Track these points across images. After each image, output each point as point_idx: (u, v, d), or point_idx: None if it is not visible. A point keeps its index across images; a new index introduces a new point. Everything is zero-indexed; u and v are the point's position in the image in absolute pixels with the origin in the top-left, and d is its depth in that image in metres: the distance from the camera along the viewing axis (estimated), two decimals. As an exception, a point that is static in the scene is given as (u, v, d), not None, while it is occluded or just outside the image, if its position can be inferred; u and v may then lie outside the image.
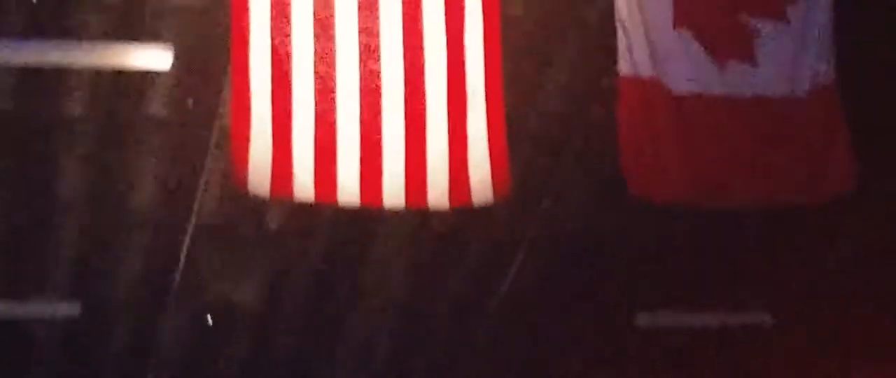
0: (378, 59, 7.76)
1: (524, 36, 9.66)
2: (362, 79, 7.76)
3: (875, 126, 9.42)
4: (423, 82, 7.77)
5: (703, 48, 7.93)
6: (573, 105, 10.29)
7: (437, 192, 7.76)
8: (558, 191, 10.91)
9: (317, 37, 7.75)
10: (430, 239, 11.34)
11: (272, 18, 7.73)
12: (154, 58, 9.47)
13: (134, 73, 9.75)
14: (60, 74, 9.80)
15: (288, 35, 7.74)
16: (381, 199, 7.75)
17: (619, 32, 7.96)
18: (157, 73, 9.77)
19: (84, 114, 10.08)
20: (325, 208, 9.77)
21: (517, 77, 8.93)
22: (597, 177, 10.52)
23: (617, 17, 7.93)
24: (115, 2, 9.48)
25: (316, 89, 7.75)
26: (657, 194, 8.02)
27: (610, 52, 8.14)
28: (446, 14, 7.83)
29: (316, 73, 7.76)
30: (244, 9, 7.71)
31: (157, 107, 10.12)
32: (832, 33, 8.22)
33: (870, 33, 9.58)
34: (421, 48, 7.77)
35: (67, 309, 11.42)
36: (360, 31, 7.77)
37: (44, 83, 9.85)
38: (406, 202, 7.76)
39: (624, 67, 7.96)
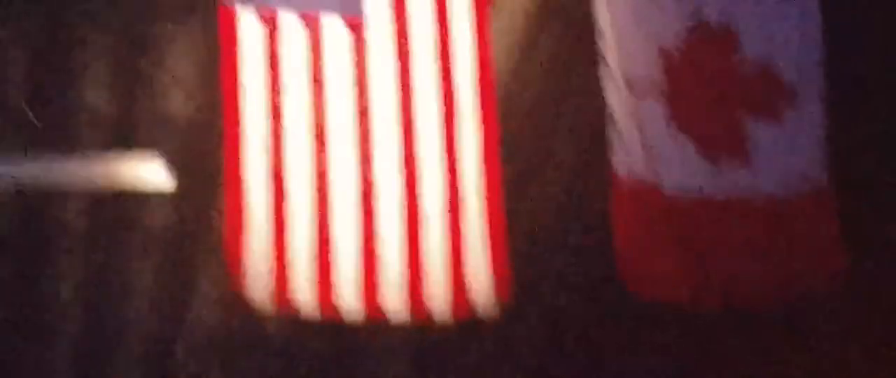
0: (373, 167, 7.78)
1: (521, 139, 9.67)
2: (359, 188, 7.78)
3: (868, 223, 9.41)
4: (418, 189, 7.79)
5: (697, 148, 7.94)
6: (570, 204, 10.28)
7: (438, 302, 7.74)
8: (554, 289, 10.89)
9: (313, 146, 7.78)
10: (430, 344, 11.27)
11: (267, 129, 7.77)
12: (150, 169, 9.50)
13: (130, 186, 9.77)
14: (57, 189, 9.81)
15: (282, 146, 7.77)
16: (383, 311, 7.73)
17: (613, 134, 7.98)
18: (153, 186, 9.78)
19: (81, 227, 10.08)
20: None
21: (514, 180, 8.94)
22: (596, 275, 10.48)
23: (610, 118, 7.97)
24: (110, 113, 9.52)
25: (312, 198, 7.79)
26: (653, 293, 8.00)
27: (606, 151, 8.15)
28: (442, 121, 7.88)
29: (312, 182, 7.79)
30: (237, 120, 7.76)
31: (153, 217, 10.11)
32: (826, 135, 8.23)
33: (863, 134, 9.59)
34: (415, 155, 7.80)
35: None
36: (356, 139, 7.79)
37: (41, 198, 9.87)
38: (408, 313, 7.74)
39: (618, 167, 7.98)
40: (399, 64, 7.86)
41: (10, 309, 10.36)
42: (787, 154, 7.95)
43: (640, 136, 7.92)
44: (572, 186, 10.22)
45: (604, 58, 7.95)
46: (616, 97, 7.96)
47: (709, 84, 7.99)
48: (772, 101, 7.98)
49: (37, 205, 9.92)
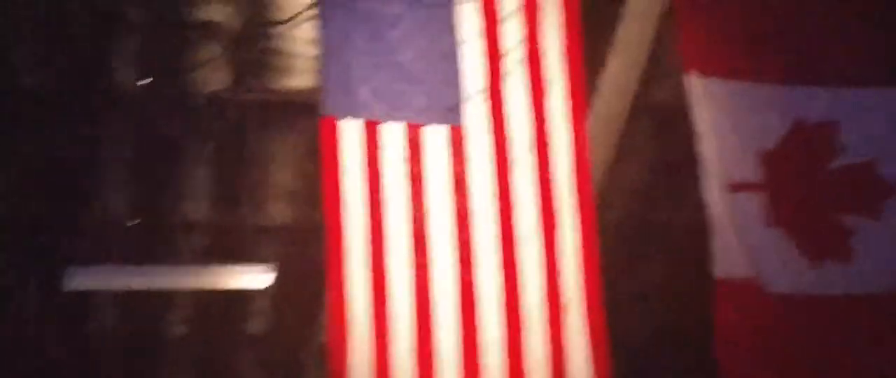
0: (473, 270, 7.80)
1: (621, 242, 9.68)
2: (459, 292, 7.79)
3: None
4: (518, 292, 7.79)
5: (797, 247, 7.87)
6: (669, 311, 10.24)
7: (540, 402, 7.72)
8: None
9: (412, 252, 7.81)
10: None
11: (367, 236, 7.82)
12: (254, 278, 9.61)
13: (234, 293, 9.89)
14: (162, 297, 9.96)
15: (383, 251, 7.81)
16: None
17: (713, 233, 7.94)
18: (257, 293, 9.90)
19: (186, 334, 10.20)
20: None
21: (615, 285, 8.93)
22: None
23: (710, 218, 7.93)
24: (211, 223, 9.67)
25: (413, 304, 7.79)
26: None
27: (703, 254, 8.12)
28: (541, 224, 7.88)
29: (413, 286, 7.81)
30: (339, 228, 7.82)
31: (256, 325, 10.22)
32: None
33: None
34: (515, 258, 7.81)
35: None
36: (455, 244, 7.82)
37: (147, 305, 10.01)
38: (507, 415, 7.72)
39: (719, 269, 7.93)
40: (498, 169, 7.91)
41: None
42: (888, 249, 7.86)
43: (739, 237, 7.87)
44: (672, 289, 10.21)
45: (702, 159, 7.94)
46: (715, 198, 7.92)
47: (808, 183, 7.94)
48: (872, 197, 7.91)
49: (142, 312, 10.08)
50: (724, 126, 7.94)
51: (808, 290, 7.86)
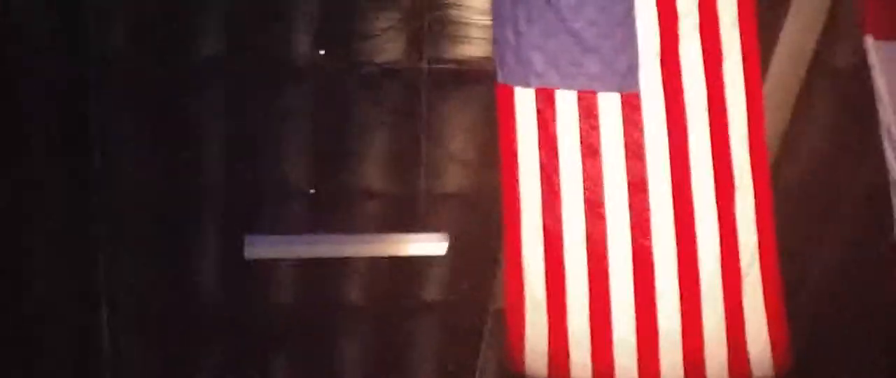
0: (649, 235, 7.79)
1: (798, 206, 9.57)
2: (635, 257, 7.79)
3: None
4: (695, 256, 7.77)
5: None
6: (848, 276, 10.11)
7: (716, 366, 7.69)
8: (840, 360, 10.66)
9: (587, 217, 7.83)
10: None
11: (543, 202, 7.86)
12: (430, 246, 9.71)
13: (410, 261, 10.01)
14: (340, 264, 10.12)
15: (559, 218, 7.84)
16: (660, 376, 7.72)
17: (894, 198, 7.82)
18: (433, 260, 10.00)
19: (363, 301, 10.36)
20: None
21: (793, 249, 8.85)
22: (877, 343, 10.27)
23: (891, 184, 7.81)
24: (391, 192, 9.79)
25: (589, 270, 7.82)
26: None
27: (884, 219, 8.00)
28: (716, 188, 7.84)
29: (588, 253, 7.83)
30: (515, 194, 7.86)
31: (433, 292, 10.34)
32: None
33: None
34: (692, 221, 7.79)
35: None
36: (630, 210, 7.82)
37: (324, 273, 10.18)
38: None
39: (899, 233, 7.82)
40: (673, 135, 7.88)
41: (299, 374, 10.70)
42: None
43: (921, 202, 7.76)
44: (851, 254, 10.07)
45: (883, 123, 7.81)
46: (894, 162, 7.80)
47: None
48: None
49: (320, 280, 10.25)
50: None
51: None
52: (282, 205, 9.88)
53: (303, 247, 9.72)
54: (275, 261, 10.06)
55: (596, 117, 7.87)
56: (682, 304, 7.74)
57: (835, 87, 9.53)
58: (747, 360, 7.74)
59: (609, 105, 7.89)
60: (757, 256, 7.82)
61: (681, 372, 7.70)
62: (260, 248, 9.58)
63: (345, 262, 10.14)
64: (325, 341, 10.67)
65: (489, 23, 8.48)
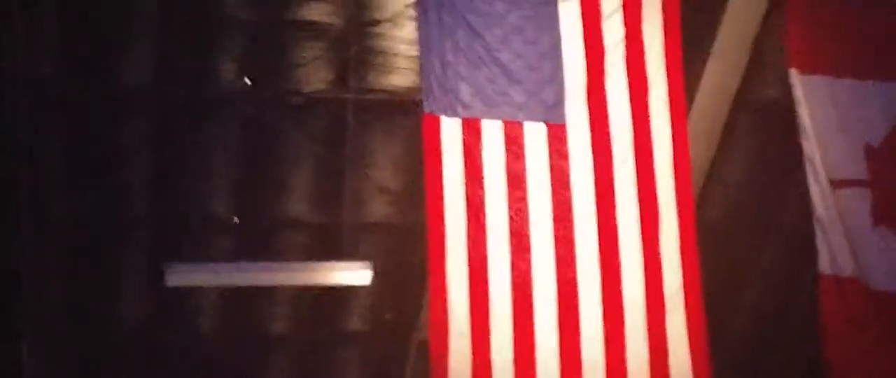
0: (574, 267, 7.79)
1: (722, 240, 9.63)
2: (559, 289, 7.78)
3: None
4: (620, 289, 7.77)
5: (904, 245, 7.82)
6: (774, 307, 10.18)
7: (639, 399, 7.70)
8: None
9: (512, 248, 7.81)
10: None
11: (468, 232, 7.82)
12: (354, 275, 9.67)
13: (334, 291, 9.96)
14: (264, 293, 10.05)
15: (484, 248, 7.82)
16: None
17: (818, 232, 7.88)
18: (357, 290, 9.96)
19: (287, 330, 10.29)
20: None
21: (716, 282, 8.91)
22: (801, 374, 10.32)
23: (815, 217, 7.88)
24: (315, 221, 9.74)
25: (513, 300, 7.79)
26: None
27: (808, 252, 8.07)
28: (641, 221, 7.86)
29: (512, 284, 7.80)
30: (440, 224, 7.83)
31: (357, 322, 10.29)
32: None
33: None
34: (617, 254, 7.79)
35: None
36: (555, 242, 7.82)
37: (248, 302, 10.11)
38: (611, 412, 7.70)
39: (824, 266, 7.86)
40: (599, 167, 7.90)
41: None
42: None
43: (844, 234, 7.81)
44: (777, 287, 10.15)
45: (807, 156, 7.89)
46: (820, 195, 7.87)
47: (914, 180, 7.89)
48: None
49: (244, 308, 10.18)
50: (829, 123, 7.89)
51: None
52: (206, 233, 9.81)
53: (226, 275, 9.65)
54: (198, 289, 9.97)
55: (521, 147, 7.87)
56: (605, 337, 7.72)
57: (759, 122, 9.61)
58: (670, 393, 7.75)
59: (535, 135, 7.89)
60: (681, 290, 7.83)
61: (605, 405, 7.70)
62: (182, 275, 9.50)
63: (268, 291, 10.08)
64: (248, 371, 10.58)
65: (416, 53, 8.47)
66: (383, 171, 9.69)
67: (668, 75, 7.99)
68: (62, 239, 9.74)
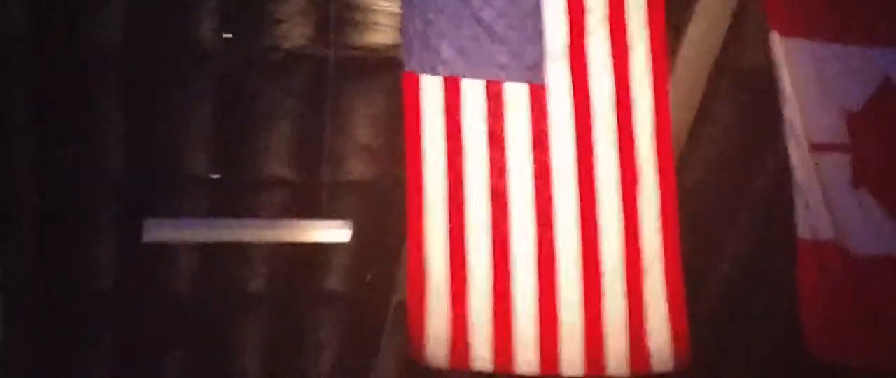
0: (553, 228, 7.78)
1: (701, 203, 9.64)
2: (538, 248, 7.77)
3: None
4: (598, 249, 7.76)
5: (883, 209, 7.80)
6: (752, 271, 10.20)
7: (616, 358, 7.70)
8: (740, 356, 10.76)
9: (491, 207, 7.80)
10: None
11: (447, 192, 7.81)
12: (332, 233, 9.64)
13: (313, 249, 9.94)
14: (241, 250, 10.03)
15: (463, 208, 7.80)
16: (559, 367, 7.71)
17: (797, 196, 7.88)
18: (335, 248, 9.94)
19: (264, 288, 10.28)
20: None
21: (695, 245, 8.91)
22: (777, 340, 10.36)
23: (794, 180, 7.87)
24: (294, 179, 9.71)
25: (491, 259, 7.78)
26: (837, 355, 7.84)
27: (787, 216, 8.08)
28: (621, 183, 7.84)
29: (491, 242, 7.79)
30: (419, 183, 7.81)
31: (335, 281, 10.27)
32: None
33: None
34: (596, 214, 7.78)
35: None
36: (534, 201, 7.81)
37: (225, 259, 10.09)
38: (584, 370, 7.71)
39: (802, 230, 7.86)
40: (579, 128, 7.88)
41: (196, 360, 10.60)
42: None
43: (824, 198, 7.80)
44: (755, 249, 10.16)
45: (786, 120, 7.88)
46: (799, 159, 7.85)
47: (893, 143, 7.87)
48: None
49: (221, 265, 10.15)
50: (809, 87, 7.87)
51: (893, 251, 7.79)
52: (184, 189, 9.77)
53: (203, 231, 9.61)
54: (175, 245, 9.94)
55: (502, 107, 7.84)
56: (583, 296, 7.73)
57: (740, 87, 9.61)
58: (648, 353, 7.74)
59: (516, 95, 7.86)
60: (660, 250, 7.83)
61: (581, 363, 7.69)
62: (159, 231, 9.46)
63: (246, 248, 10.05)
64: (225, 328, 10.58)
65: (397, 10, 8.44)
66: (363, 128, 9.66)
67: (651, 38, 7.97)
68: (35, 196, 9.68)
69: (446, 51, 7.85)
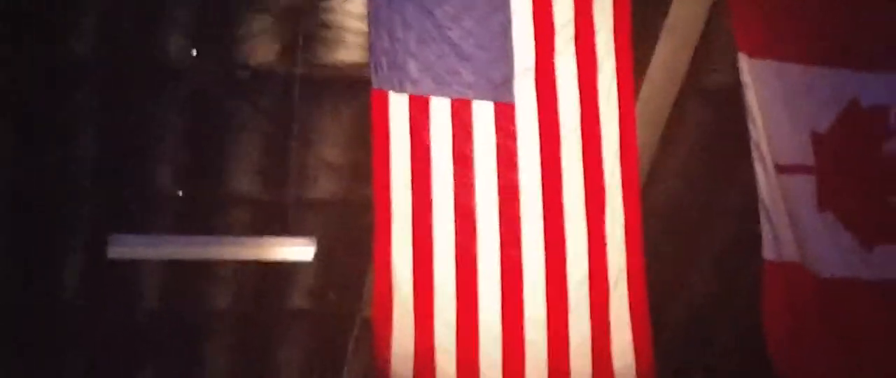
0: (519, 246, 7.78)
1: (667, 223, 9.66)
2: (503, 267, 7.77)
3: None
4: (564, 269, 7.77)
5: (849, 232, 7.83)
6: (718, 291, 10.22)
7: (581, 376, 7.70)
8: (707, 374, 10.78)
9: (457, 226, 7.80)
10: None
11: (413, 210, 7.80)
12: (297, 250, 9.61)
13: (278, 267, 9.91)
14: (206, 267, 9.99)
15: (429, 225, 7.80)
16: None
17: (763, 217, 7.90)
18: (300, 266, 9.91)
19: (229, 305, 10.24)
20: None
21: (661, 265, 8.92)
22: (745, 359, 10.36)
23: (760, 202, 7.89)
24: (260, 197, 9.69)
25: (457, 277, 7.78)
26: (802, 376, 7.85)
27: (753, 237, 8.10)
28: (586, 201, 7.86)
29: (457, 261, 7.79)
30: (386, 201, 7.81)
31: (300, 299, 10.24)
32: None
33: None
34: (562, 234, 7.79)
35: None
36: (501, 220, 7.81)
37: (190, 276, 10.05)
38: (549, 389, 7.71)
39: (768, 252, 7.88)
40: (545, 147, 7.89)
41: (161, 377, 10.55)
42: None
43: (789, 220, 7.83)
44: (721, 271, 10.18)
45: (754, 140, 7.90)
46: (765, 180, 7.88)
47: (860, 166, 7.90)
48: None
49: (185, 282, 10.11)
50: (776, 108, 7.90)
51: (858, 274, 7.81)
52: (149, 206, 9.72)
53: (168, 248, 9.55)
54: (140, 262, 9.89)
55: (469, 126, 7.84)
56: (549, 316, 7.73)
57: (707, 106, 9.63)
58: (613, 374, 7.75)
59: (483, 114, 7.87)
60: (624, 271, 7.85)
61: (545, 382, 7.71)
62: (124, 247, 9.39)
63: (211, 265, 10.02)
64: (190, 346, 10.53)
65: (365, 28, 8.42)
66: (330, 146, 9.64)
67: (617, 57, 7.99)
68: (4, 210, 9.63)
69: (414, 69, 7.85)
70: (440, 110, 7.86)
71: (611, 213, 7.87)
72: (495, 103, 7.86)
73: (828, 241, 7.83)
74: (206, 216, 9.78)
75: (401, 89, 7.83)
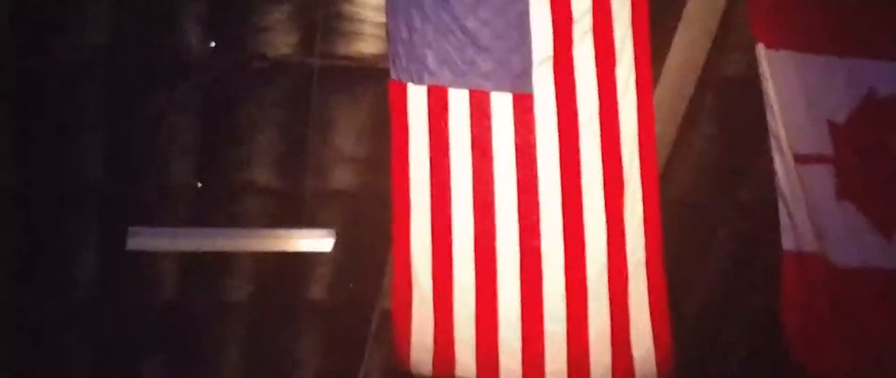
0: (538, 236, 7.78)
1: (683, 216, 9.66)
2: (523, 257, 7.78)
3: None
4: (583, 259, 7.77)
5: (867, 221, 7.83)
6: (735, 282, 10.22)
7: (600, 367, 7.71)
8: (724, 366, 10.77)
9: (477, 217, 7.81)
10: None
11: (432, 201, 7.81)
12: (316, 242, 9.64)
13: (296, 258, 9.92)
14: (224, 259, 10.01)
15: (448, 217, 7.81)
16: (543, 376, 7.72)
17: (781, 207, 7.89)
18: (319, 258, 9.93)
19: (246, 297, 10.25)
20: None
21: (678, 257, 8.93)
22: (761, 350, 10.37)
23: (778, 192, 7.88)
24: (278, 188, 9.70)
25: (477, 269, 7.79)
26: (821, 366, 7.85)
27: (772, 227, 8.10)
28: (605, 192, 7.86)
29: (476, 252, 7.80)
30: (405, 192, 7.82)
31: (318, 290, 10.25)
32: None
33: None
34: (581, 224, 7.79)
35: None
36: (520, 211, 7.81)
37: (208, 268, 10.06)
38: (569, 378, 7.72)
39: (787, 242, 7.87)
40: (564, 138, 7.89)
41: (178, 369, 10.57)
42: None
43: (808, 209, 7.82)
44: (740, 259, 10.17)
45: (772, 131, 7.89)
46: (784, 170, 7.88)
47: (879, 156, 7.89)
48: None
49: (204, 274, 10.13)
50: (794, 99, 7.89)
51: (877, 263, 7.80)
52: (168, 198, 9.75)
53: (187, 240, 9.60)
54: (158, 254, 9.92)
55: (488, 117, 7.84)
56: (568, 306, 7.73)
57: (725, 97, 9.62)
58: (632, 363, 7.76)
59: (501, 105, 7.87)
60: (643, 261, 7.84)
61: (565, 372, 7.70)
62: (143, 239, 9.44)
63: (229, 257, 10.03)
64: (207, 337, 10.55)
65: (383, 20, 8.43)
66: (347, 138, 9.65)
67: (635, 47, 7.98)
68: (18, 204, 9.65)
69: (432, 60, 7.85)
70: (458, 101, 7.87)
71: (629, 203, 7.87)
72: (513, 94, 7.86)
73: (847, 231, 7.82)
74: (225, 208, 9.80)
75: (419, 80, 7.84)
